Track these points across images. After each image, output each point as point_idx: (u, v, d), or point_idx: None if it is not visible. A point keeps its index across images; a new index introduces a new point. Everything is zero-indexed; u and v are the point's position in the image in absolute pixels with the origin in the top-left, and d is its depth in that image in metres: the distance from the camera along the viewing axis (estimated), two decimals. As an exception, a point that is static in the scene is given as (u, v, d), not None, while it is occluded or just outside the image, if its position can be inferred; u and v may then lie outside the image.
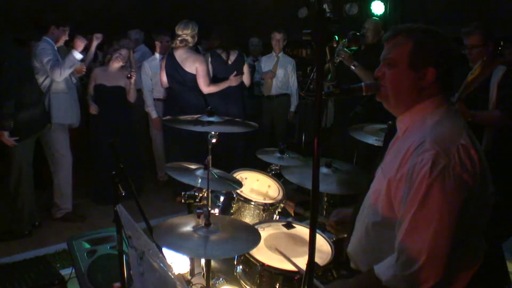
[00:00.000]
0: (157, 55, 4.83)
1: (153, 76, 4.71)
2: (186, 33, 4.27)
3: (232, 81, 4.41)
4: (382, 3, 5.13)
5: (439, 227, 1.24)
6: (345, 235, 1.82)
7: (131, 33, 5.51)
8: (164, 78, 4.44)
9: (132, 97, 4.51)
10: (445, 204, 1.24)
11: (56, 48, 3.91)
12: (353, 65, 3.91)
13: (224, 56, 4.48)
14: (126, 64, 4.47)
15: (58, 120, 3.94)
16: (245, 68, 4.67)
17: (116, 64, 4.39)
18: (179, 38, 4.29)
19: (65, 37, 3.97)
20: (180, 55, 4.31)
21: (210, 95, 4.47)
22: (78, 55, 3.80)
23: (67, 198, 4.14)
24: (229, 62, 4.53)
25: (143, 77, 4.73)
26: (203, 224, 1.85)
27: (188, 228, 1.87)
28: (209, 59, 4.46)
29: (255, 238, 1.83)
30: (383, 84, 1.48)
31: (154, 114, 4.77)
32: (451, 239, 1.24)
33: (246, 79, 4.70)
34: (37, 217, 3.97)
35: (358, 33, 4.16)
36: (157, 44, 4.86)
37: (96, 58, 5.07)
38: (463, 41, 2.98)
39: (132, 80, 4.41)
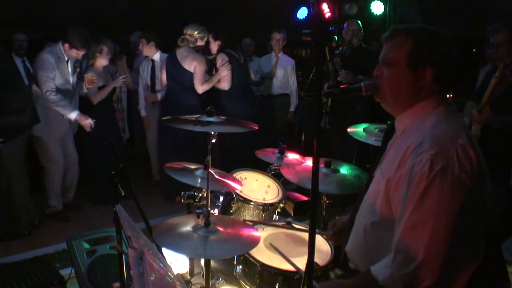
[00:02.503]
0: (148, 57, 4.87)
1: (146, 77, 4.84)
2: (189, 33, 4.30)
3: (222, 71, 4.34)
4: (382, 3, 5.14)
5: (436, 227, 1.24)
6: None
7: (133, 35, 5.52)
8: (164, 77, 4.46)
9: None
10: (442, 205, 1.24)
11: (65, 59, 3.92)
12: (359, 80, 3.94)
13: (236, 55, 4.49)
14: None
15: (38, 133, 3.92)
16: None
17: (104, 62, 4.36)
18: (181, 37, 4.33)
19: (77, 56, 3.97)
20: (181, 53, 4.33)
21: (223, 96, 4.52)
22: (72, 115, 3.88)
23: (56, 198, 4.15)
24: (241, 61, 4.58)
25: (139, 78, 4.88)
26: (202, 224, 1.85)
27: (187, 228, 1.87)
28: (227, 59, 4.39)
29: (255, 238, 1.83)
30: (381, 84, 1.48)
31: (142, 113, 4.93)
32: (448, 239, 1.24)
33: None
34: (36, 216, 3.97)
35: (336, 51, 4.20)
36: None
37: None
38: (489, 40, 2.86)
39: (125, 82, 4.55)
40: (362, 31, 4.31)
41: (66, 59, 3.94)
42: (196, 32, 4.31)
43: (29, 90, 3.78)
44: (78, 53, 3.92)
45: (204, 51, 4.72)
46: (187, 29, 4.32)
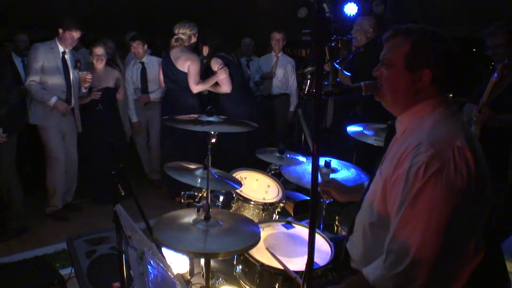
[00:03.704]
0: (136, 60, 4.84)
1: (135, 80, 4.82)
2: (182, 32, 4.27)
3: (219, 74, 4.29)
4: (382, 3, 5.13)
5: (427, 229, 1.24)
6: (343, 231, 1.82)
7: (129, 35, 5.51)
8: (162, 78, 4.47)
9: (122, 95, 4.64)
10: (435, 207, 1.24)
11: (59, 50, 3.91)
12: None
13: (230, 57, 4.47)
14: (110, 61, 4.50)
15: (36, 121, 3.95)
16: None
17: (99, 65, 4.37)
18: (174, 37, 4.30)
19: (72, 42, 3.94)
20: (174, 53, 4.31)
21: (222, 98, 4.49)
22: (52, 100, 3.83)
23: (57, 197, 4.15)
24: (235, 62, 4.55)
25: (126, 81, 4.82)
26: (202, 218, 1.86)
27: (188, 221, 1.88)
28: (222, 63, 4.34)
29: (255, 232, 1.83)
30: (381, 84, 1.48)
31: (134, 118, 4.87)
32: (439, 241, 1.24)
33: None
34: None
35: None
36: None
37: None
38: (486, 42, 2.88)
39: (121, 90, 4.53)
40: (370, 28, 4.06)
41: (62, 50, 3.92)
42: (188, 30, 4.27)
43: (20, 89, 3.78)
44: (72, 36, 3.87)
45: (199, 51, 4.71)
46: (179, 29, 4.27)
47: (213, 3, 6.88)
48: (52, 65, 3.88)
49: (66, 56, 3.98)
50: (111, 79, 4.47)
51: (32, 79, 3.81)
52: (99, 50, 4.34)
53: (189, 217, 1.92)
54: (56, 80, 3.92)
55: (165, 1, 6.57)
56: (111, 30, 6.13)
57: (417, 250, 1.25)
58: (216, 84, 4.35)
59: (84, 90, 4.21)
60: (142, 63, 4.80)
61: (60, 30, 3.85)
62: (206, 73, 4.54)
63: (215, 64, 4.30)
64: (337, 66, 3.96)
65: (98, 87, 4.27)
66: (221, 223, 1.87)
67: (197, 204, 1.94)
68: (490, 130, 2.73)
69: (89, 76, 4.10)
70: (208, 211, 1.86)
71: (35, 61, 3.81)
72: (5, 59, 3.69)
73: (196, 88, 4.31)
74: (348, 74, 3.86)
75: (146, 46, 4.78)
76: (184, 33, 4.27)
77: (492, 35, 2.84)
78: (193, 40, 4.36)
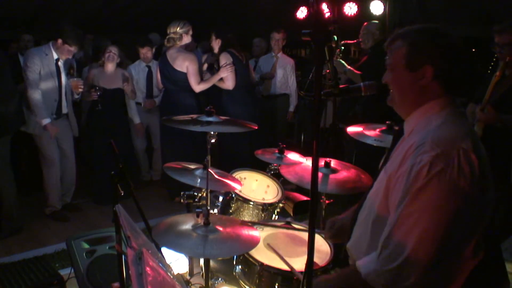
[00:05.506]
0: (142, 62, 4.86)
1: (137, 82, 4.80)
2: (173, 31, 4.24)
3: (222, 73, 4.28)
4: (382, 3, 5.13)
5: (425, 229, 1.23)
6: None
7: (150, 36, 5.51)
8: (160, 79, 4.47)
9: (133, 96, 4.62)
10: (435, 207, 1.24)
11: (53, 57, 3.88)
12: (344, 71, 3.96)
13: (239, 55, 4.46)
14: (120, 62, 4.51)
15: (30, 130, 3.95)
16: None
17: (110, 65, 4.38)
18: (167, 38, 4.29)
19: (69, 55, 3.93)
20: (171, 54, 4.29)
21: (225, 96, 4.48)
22: (44, 121, 3.80)
23: (54, 197, 4.15)
24: (244, 62, 4.54)
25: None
26: (202, 223, 1.85)
27: (187, 227, 1.87)
28: (231, 60, 4.32)
29: (254, 238, 1.83)
30: (391, 88, 1.49)
31: (137, 120, 4.82)
32: (437, 242, 1.23)
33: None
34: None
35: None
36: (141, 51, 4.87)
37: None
38: (495, 40, 2.85)
39: (129, 86, 4.51)
40: (376, 31, 4.22)
41: (56, 57, 3.89)
42: (178, 28, 4.23)
43: (16, 89, 3.77)
44: (70, 50, 3.87)
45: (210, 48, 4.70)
46: (170, 28, 4.26)
47: (212, 3, 6.88)
48: (47, 72, 3.85)
49: (60, 63, 3.95)
50: (120, 80, 4.45)
51: (35, 95, 3.76)
52: (113, 48, 4.35)
53: (188, 222, 1.91)
54: (50, 87, 3.90)
55: (167, 2, 6.57)
56: (111, 30, 6.13)
57: (413, 248, 1.24)
58: (221, 78, 4.34)
59: (76, 96, 4.20)
60: (149, 67, 4.79)
61: (60, 41, 3.81)
62: (212, 66, 4.55)
63: (223, 59, 4.28)
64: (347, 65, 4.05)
65: (96, 87, 4.25)
66: (220, 228, 1.87)
67: (197, 210, 1.93)
68: (493, 131, 2.73)
69: (80, 83, 4.08)
70: (207, 216, 1.86)
71: (33, 71, 3.77)
72: (6, 68, 3.64)
73: (198, 87, 4.29)
74: (359, 72, 3.95)
75: (154, 49, 4.79)
76: (175, 32, 4.24)
77: (500, 33, 2.81)
78: (186, 39, 4.30)
